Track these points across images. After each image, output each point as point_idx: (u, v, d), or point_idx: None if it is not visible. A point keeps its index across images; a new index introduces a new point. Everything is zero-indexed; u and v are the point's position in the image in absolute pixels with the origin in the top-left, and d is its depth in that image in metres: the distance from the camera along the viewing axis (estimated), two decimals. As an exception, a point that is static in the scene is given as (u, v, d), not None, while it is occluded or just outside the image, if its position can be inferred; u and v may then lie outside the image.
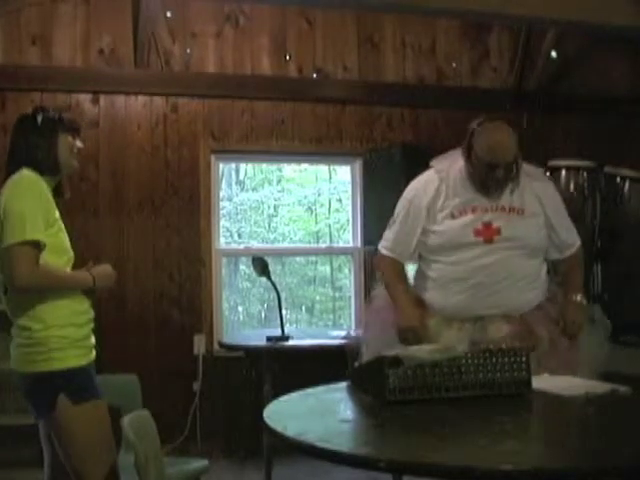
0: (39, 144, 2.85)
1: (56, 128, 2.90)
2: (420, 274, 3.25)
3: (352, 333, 5.10)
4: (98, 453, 2.80)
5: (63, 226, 2.89)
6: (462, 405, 2.26)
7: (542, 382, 2.49)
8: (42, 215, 2.73)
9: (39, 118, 2.87)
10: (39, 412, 2.84)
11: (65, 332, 2.76)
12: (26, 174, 2.79)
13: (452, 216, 3.11)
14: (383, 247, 3.29)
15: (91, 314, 2.91)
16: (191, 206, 5.58)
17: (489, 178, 3.05)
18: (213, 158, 5.71)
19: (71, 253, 2.91)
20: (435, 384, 2.30)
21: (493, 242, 3.05)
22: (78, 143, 2.99)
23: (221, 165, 6.02)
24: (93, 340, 2.91)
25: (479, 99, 6.13)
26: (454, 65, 6.19)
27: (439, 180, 3.16)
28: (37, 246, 2.70)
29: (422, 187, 3.21)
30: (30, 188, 2.76)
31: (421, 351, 2.35)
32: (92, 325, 2.91)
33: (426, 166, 3.31)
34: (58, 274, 2.79)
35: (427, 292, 3.17)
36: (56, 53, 5.38)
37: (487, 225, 3.07)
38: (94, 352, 2.90)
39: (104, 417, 2.84)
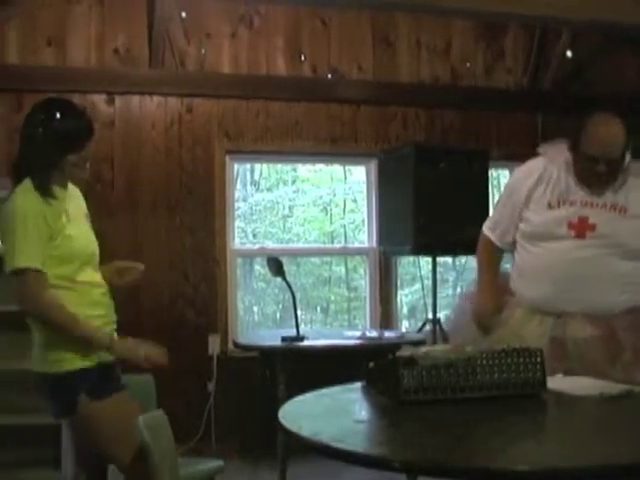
0: (47, 160, 2.79)
1: (65, 149, 2.80)
2: (513, 261, 3.24)
3: (367, 333, 5.10)
4: (126, 441, 2.78)
5: (79, 225, 2.87)
6: (477, 405, 2.26)
7: (557, 382, 2.48)
8: (40, 235, 2.71)
9: (39, 134, 2.78)
10: (59, 412, 2.85)
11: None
12: (21, 193, 2.75)
13: (549, 206, 3.06)
14: (485, 225, 3.32)
15: (109, 317, 2.91)
16: (206, 206, 5.60)
17: (590, 172, 2.98)
18: (228, 158, 5.72)
19: (86, 254, 2.87)
20: (450, 384, 2.29)
21: (585, 238, 2.99)
22: (87, 152, 2.89)
23: (236, 165, 6.03)
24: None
25: (494, 99, 6.12)
26: (469, 65, 6.18)
27: (544, 167, 3.12)
28: (31, 271, 2.69)
29: (526, 172, 3.18)
30: (24, 210, 2.72)
31: (435, 351, 2.35)
32: (112, 327, 2.92)
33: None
34: (68, 315, 2.72)
35: (515, 280, 3.16)
36: (71, 54, 5.41)
37: (583, 220, 3.01)
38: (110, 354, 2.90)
39: (127, 407, 2.84)
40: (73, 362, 2.75)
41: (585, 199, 3.04)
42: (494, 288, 3.18)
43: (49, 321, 2.72)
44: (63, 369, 2.74)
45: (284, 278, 4.91)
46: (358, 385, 2.60)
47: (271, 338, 5.06)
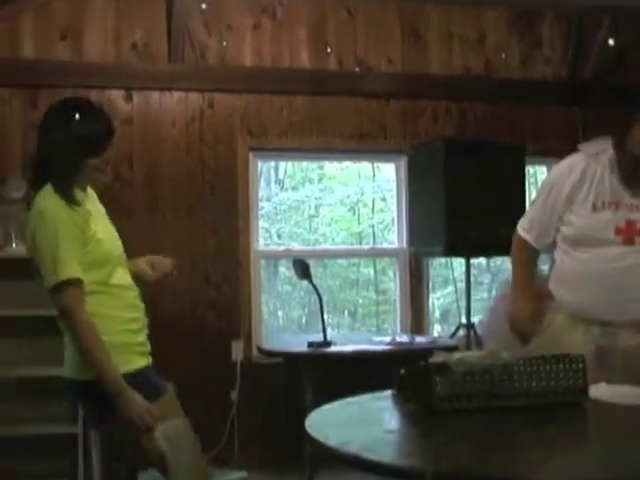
0: (68, 166, 2.80)
1: (86, 152, 2.81)
2: (552, 266, 3.20)
3: (397, 339, 5.09)
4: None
5: (105, 227, 2.91)
6: (514, 414, 2.24)
7: (599, 391, 2.45)
8: (75, 242, 2.73)
9: (59, 139, 2.78)
10: (99, 419, 2.85)
11: (121, 339, 2.81)
12: (48, 201, 2.75)
13: (594, 208, 3.01)
14: (520, 226, 3.26)
15: (144, 321, 2.94)
16: (228, 206, 5.61)
17: (637, 173, 2.96)
18: (251, 156, 5.72)
19: (116, 255, 2.90)
20: (485, 392, 2.28)
21: (634, 244, 2.96)
22: (109, 154, 2.91)
23: (259, 163, 6.04)
24: (149, 347, 2.94)
25: (530, 91, 6.08)
26: (503, 56, 6.14)
27: (586, 164, 3.06)
28: (72, 282, 2.71)
29: (567, 170, 3.11)
30: (56, 219, 2.73)
31: (470, 357, 2.33)
32: (147, 332, 2.94)
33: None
34: (96, 339, 2.73)
35: (555, 285, 3.12)
36: (87, 48, 5.44)
37: (631, 224, 2.97)
38: (150, 358, 2.93)
39: (171, 410, 2.86)
40: (120, 367, 2.76)
41: (631, 201, 2.99)
42: (531, 292, 3.14)
43: (80, 343, 2.73)
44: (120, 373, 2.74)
45: (310, 281, 4.91)
46: (388, 393, 2.60)
47: (297, 343, 5.06)
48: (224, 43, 5.64)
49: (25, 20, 5.35)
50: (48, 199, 2.76)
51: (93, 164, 2.84)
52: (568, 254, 3.08)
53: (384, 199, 7.71)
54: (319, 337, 4.87)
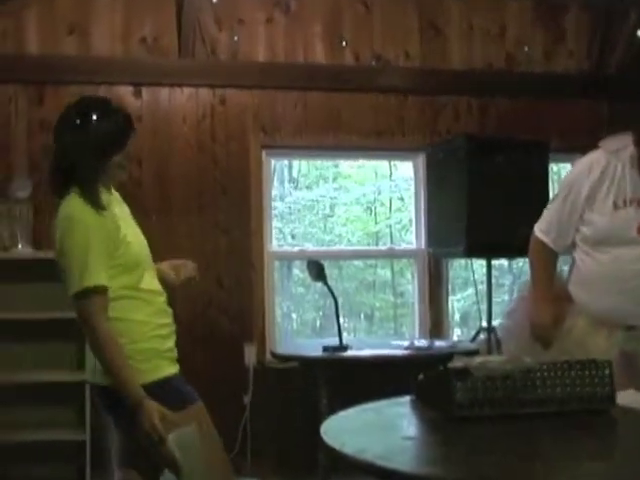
0: (93, 169, 2.80)
1: (109, 151, 2.83)
2: (572, 267, 3.20)
3: (416, 343, 5.08)
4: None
5: (133, 229, 2.93)
6: (537, 422, 2.23)
7: (628, 398, 2.44)
8: (103, 248, 2.74)
9: (76, 138, 2.78)
10: (128, 426, 2.86)
11: (151, 345, 2.82)
12: (75, 206, 2.76)
13: (615, 206, 3.02)
14: (537, 228, 3.26)
15: (173, 326, 2.96)
16: (241, 205, 5.61)
17: None
18: (264, 154, 5.73)
19: (144, 259, 2.92)
20: (507, 398, 2.27)
21: None
22: (129, 148, 2.93)
23: (273, 161, 6.04)
24: (176, 353, 2.96)
25: (553, 86, 6.05)
26: (526, 49, 6.12)
27: (607, 161, 3.06)
28: (97, 290, 2.72)
29: (587, 168, 3.11)
30: (85, 224, 2.74)
31: (491, 361, 2.32)
32: (175, 338, 2.96)
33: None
34: (115, 349, 2.73)
35: (576, 287, 3.12)
36: (95, 43, 5.45)
37: None
38: (177, 365, 2.94)
39: (198, 419, 2.87)
40: (150, 374, 2.78)
41: None
42: (551, 297, 3.13)
43: (103, 356, 2.73)
44: (143, 382, 2.74)
45: (325, 283, 4.91)
46: (406, 399, 2.59)
47: (311, 348, 5.06)
48: (236, 38, 5.64)
49: (30, 15, 5.37)
50: (75, 205, 2.76)
51: (116, 162, 2.86)
52: (589, 255, 3.07)
53: (402, 198, 7.71)
54: (334, 341, 4.86)
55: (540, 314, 3.10)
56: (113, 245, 2.77)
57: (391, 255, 7.12)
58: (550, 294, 3.14)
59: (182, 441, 2.66)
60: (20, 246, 5.04)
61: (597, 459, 1.92)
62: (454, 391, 2.23)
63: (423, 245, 5.99)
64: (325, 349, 4.80)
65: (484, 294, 5.54)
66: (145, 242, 3.00)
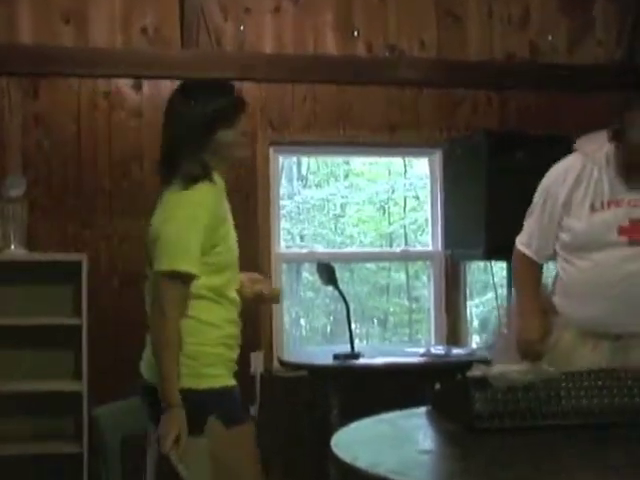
0: (197, 143, 2.86)
1: (215, 125, 2.86)
2: (555, 277, 3.23)
3: (432, 350, 5.08)
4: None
5: (231, 228, 2.96)
6: (561, 435, 2.23)
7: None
8: (204, 238, 2.77)
9: (185, 116, 2.87)
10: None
11: (217, 350, 2.85)
12: (198, 189, 2.81)
13: (592, 208, 3.04)
14: (519, 240, 3.31)
15: (239, 341, 2.99)
16: (247, 205, 5.61)
17: (636, 166, 2.97)
18: (271, 150, 5.73)
19: (235, 263, 2.94)
20: (529, 410, 2.27)
21: None
22: (241, 127, 2.96)
23: (281, 158, 6.04)
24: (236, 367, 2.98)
25: (580, 78, 6.04)
26: (550, 38, 6.11)
27: (582, 165, 3.11)
28: (185, 278, 2.74)
29: (562, 174, 3.18)
30: (193, 207, 2.80)
31: (512, 371, 2.32)
32: (239, 352, 2.99)
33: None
34: (172, 343, 2.75)
35: (559, 298, 3.14)
36: (92, 33, 5.46)
37: (635, 223, 3.00)
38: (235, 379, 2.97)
39: (253, 442, 2.95)
40: (210, 380, 2.81)
41: (634, 198, 3.02)
42: (538, 310, 3.14)
43: (158, 340, 2.75)
44: (194, 385, 2.77)
45: (336, 286, 4.91)
46: (422, 410, 2.59)
47: (321, 355, 5.06)
48: (242, 27, 5.65)
49: (23, 2, 5.38)
50: (198, 188, 2.82)
51: (226, 140, 2.88)
52: (569, 262, 3.10)
53: (417, 197, 7.69)
54: (346, 348, 4.86)
55: (527, 329, 3.11)
56: (212, 240, 2.80)
57: (406, 257, 7.11)
58: (536, 308, 3.16)
59: (186, 457, 2.65)
60: (13, 247, 5.05)
61: (625, 475, 1.92)
62: (473, 402, 2.23)
63: (440, 247, 5.99)
64: (336, 357, 4.80)
65: (504, 298, 5.53)
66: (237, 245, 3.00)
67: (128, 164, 5.39)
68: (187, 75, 5.53)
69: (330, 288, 5.05)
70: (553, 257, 3.25)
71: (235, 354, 2.96)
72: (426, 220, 6.39)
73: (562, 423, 2.27)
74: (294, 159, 7.54)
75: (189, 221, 2.77)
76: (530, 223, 3.29)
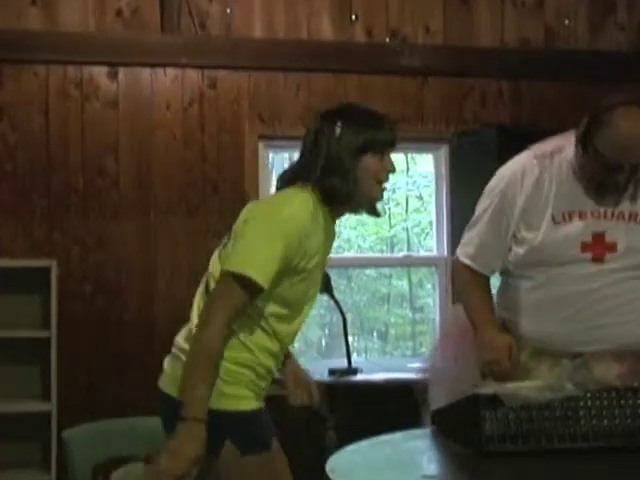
0: (341, 166, 2.83)
1: (363, 148, 2.86)
2: (504, 291, 3.22)
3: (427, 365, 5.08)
4: None
5: (320, 270, 2.90)
6: (580, 459, 2.23)
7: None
8: (285, 258, 2.72)
9: (337, 130, 2.82)
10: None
11: (242, 371, 2.84)
12: (299, 199, 2.78)
13: (553, 220, 3.02)
14: (463, 254, 3.23)
15: (269, 381, 3.00)
16: (235, 205, 5.55)
17: (607, 180, 2.94)
18: (261, 145, 5.74)
19: (301, 306, 2.91)
20: (545, 432, 2.27)
21: (604, 261, 2.96)
22: (388, 165, 2.97)
23: (271, 154, 6.05)
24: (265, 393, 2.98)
25: (600, 66, 6.05)
26: (568, 23, 6.13)
27: (540, 170, 3.06)
28: (250, 287, 2.70)
29: (518, 176, 3.09)
30: (294, 220, 2.74)
31: (526, 388, 2.32)
32: (268, 384, 2.99)
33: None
34: (214, 348, 2.73)
35: (512, 316, 3.12)
36: (63, 16, 5.45)
37: (598, 237, 2.98)
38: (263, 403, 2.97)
39: (273, 472, 2.95)
40: (233, 401, 2.82)
41: (597, 210, 3.00)
42: (496, 324, 3.12)
43: (196, 348, 2.72)
44: (214, 405, 2.73)
45: (332, 295, 4.91)
46: (426, 431, 2.59)
47: (316, 371, 5.05)
48: (228, 10, 5.65)
49: (-12, -17, 5.39)
50: (299, 197, 2.78)
51: (370, 168, 2.90)
52: (524, 277, 3.08)
53: (420, 197, 7.72)
54: (343, 363, 4.88)
55: (491, 346, 3.04)
56: (298, 268, 2.76)
57: (408, 263, 7.12)
58: (494, 321, 3.12)
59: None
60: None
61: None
62: (483, 422, 2.23)
63: (445, 252, 5.99)
64: (332, 372, 4.81)
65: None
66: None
67: (102, 160, 5.38)
68: (167, 62, 5.55)
69: (325, 297, 5.05)
70: (499, 271, 3.22)
71: (264, 384, 2.94)
72: (430, 222, 6.40)
73: (581, 447, 2.27)
74: (286, 155, 7.54)
75: (277, 232, 2.71)
76: (477, 233, 3.18)
